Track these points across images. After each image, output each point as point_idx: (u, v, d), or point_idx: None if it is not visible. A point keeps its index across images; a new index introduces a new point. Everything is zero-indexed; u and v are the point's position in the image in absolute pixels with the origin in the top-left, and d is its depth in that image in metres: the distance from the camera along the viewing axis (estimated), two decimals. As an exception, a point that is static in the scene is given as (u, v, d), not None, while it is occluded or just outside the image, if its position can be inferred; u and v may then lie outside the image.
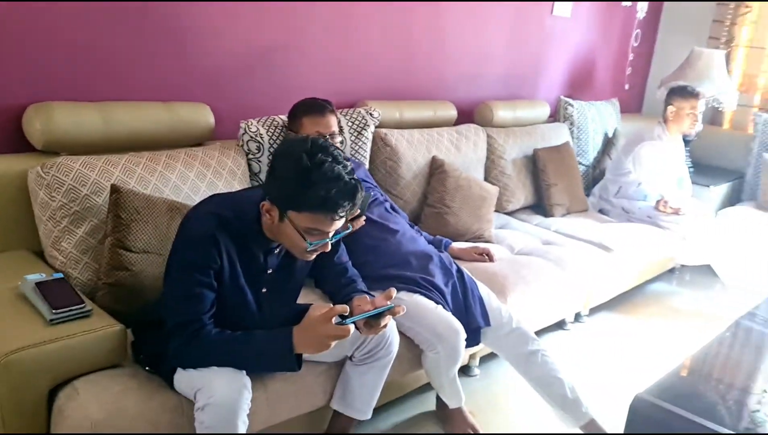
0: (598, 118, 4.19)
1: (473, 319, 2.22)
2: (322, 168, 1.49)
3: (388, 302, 1.65)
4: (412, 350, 2.12)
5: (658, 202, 3.56)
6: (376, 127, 2.85)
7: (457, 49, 3.54)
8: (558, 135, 3.83)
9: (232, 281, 1.64)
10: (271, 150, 2.43)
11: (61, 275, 1.75)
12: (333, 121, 2.38)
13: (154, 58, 2.38)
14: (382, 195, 2.54)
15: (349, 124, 2.73)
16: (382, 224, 2.37)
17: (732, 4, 4.66)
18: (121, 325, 1.66)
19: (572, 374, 2.27)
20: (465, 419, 2.29)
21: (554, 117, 4.08)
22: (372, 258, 2.25)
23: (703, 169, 4.39)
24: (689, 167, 3.95)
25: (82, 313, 1.62)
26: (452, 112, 3.42)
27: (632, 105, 5.10)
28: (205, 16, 2.46)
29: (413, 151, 2.98)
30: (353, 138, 2.72)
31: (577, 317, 3.28)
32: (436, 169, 3.02)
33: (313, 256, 1.64)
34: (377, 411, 2.03)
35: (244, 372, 1.59)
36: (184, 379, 1.60)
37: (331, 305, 1.55)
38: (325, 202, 1.49)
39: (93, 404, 1.52)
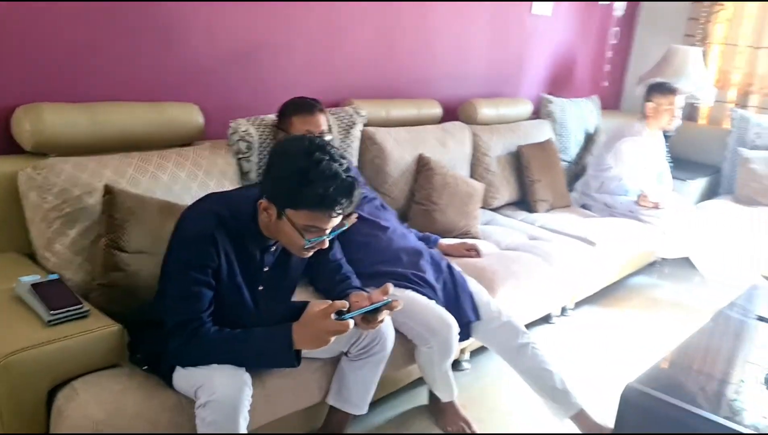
0: (579, 114, 4.25)
1: (464, 314, 2.26)
2: (319, 166, 1.51)
3: (385, 297, 1.67)
4: (404, 345, 2.15)
5: (639, 196, 3.63)
6: (364, 125, 2.87)
7: (442, 49, 3.58)
8: (541, 132, 3.88)
9: (230, 279, 1.65)
10: (261, 149, 2.44)
11: (56, 276, 1.75)
12: (322, 119, 2.40)
13: (142, 59, 2.38)
14: (371, 192, 2.57)
15: (338, 122, 2.74)
16: (372, 221, 2.39)
17: (707, 3, 4.76)
18: (119, 325, 1.67)
19: (560, 367, 2.31)
20: (457, 413, 2.32)
21: (537, 114, 4.13)
22: (363, 255, 2.27)
23: (680, 163, 4.47)
24: (669, 162, 4.02)
25: (80, 314, 1.63)
26: (437, 110, 3.45)
27: (611, 102, 5.17)
28: (193, 15, 2.47)
29: (400, 149, 3.01)
30: (341, 136, 2.74)
31: (563, 311, 3.33)
32: (423, 166, 3.05)
33: (310, 253, 1.66)
34: (371, 406, 2.05)
35: (244, 369, 1.60)
36: (184, 377, 1.61)
37: (330, 302, 1.57)
38: (323, 199, 1.51)
39: (93, 404, 1.53)
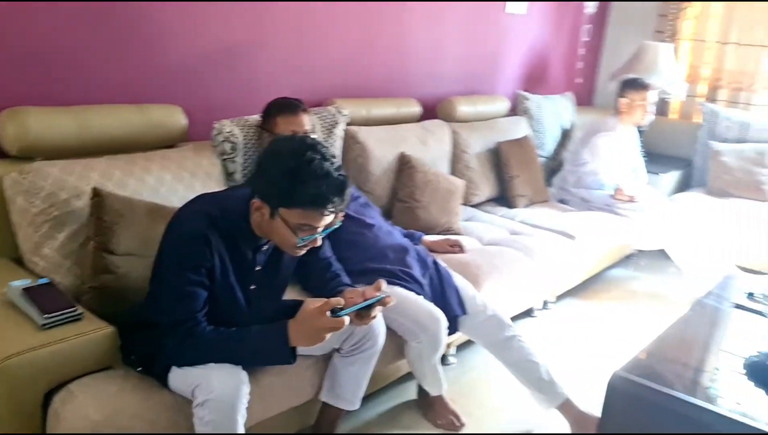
0: (555, 111, 4.32)
1: (450, 308, 2.29)
2: (312, 165, 1.53)
3: (378, 293, 1.70)
4: (393, 341, 2.17)
5: (615, 190, 3.71)
6: (347, 124, 2.90)
7: (419, 48, 3.62)
8: (518, 128, 3.94)
9: (223, 279, 1.67)
10: (246, 150, 2.46)
11: (47, 280, 1.75)
12: (306, 119, 2.41)
13: (124, 61, 2.38)
14: (355, 191, 2.59)
15: (320, 122, 2.76)
16: (358, 219, 2.42)
17: (675, 2, 4.86)
18: (113, 327, 1.67)
19: (545, 358, 2.36)
20: (446, 406, 2.36)
21: (513, 111, 4.19)
22: (351, 253, 2.29)
23: (653, 157, 4.56)
24: (643, 156, 4.11)
25: (74, 317, 1.63)
26: (416, 109, 3.49)
27: (584, 98, 5.25)
28: (174, 17, 2.47)
29: (382, 148, 3.04)
30: (324, 136, 2.76)
31: (545, 304, 3.39)
32: (404, 164, 3.08)
33: (303, 252, 1.68)
34: (361, 402, 2.07)
35: (241, 367, 1.61)
36: (180, 377, 1.62)
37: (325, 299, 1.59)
38: (315, 198, 1.53)
39: (91, 406, 1.54)
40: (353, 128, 2.97)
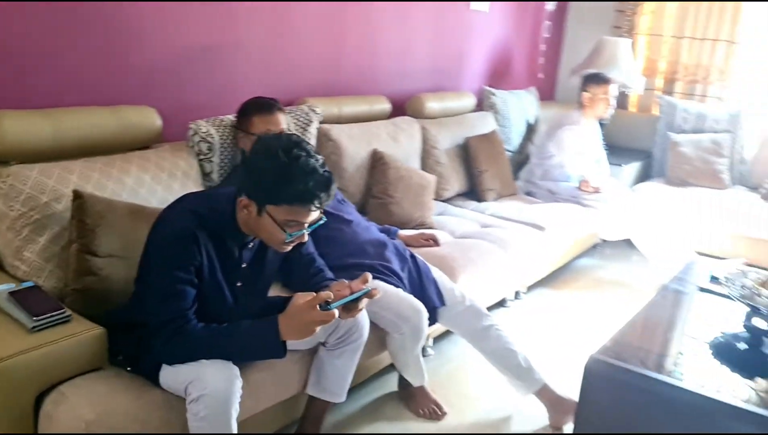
0: (520, 106, 4.42)
1: (430, 300, 2.35)
2: (299, 162, 1.56)
3: (364, 286, 1.74)
4: (375, 334, 2.20)
5: (580, 182, 3.81)
6: (320, 123, 2.93)
7: (387, 46, 3.67)
8: (485, 123, 4.02)
9: (211, 277, 1.69)
10: (222, 150, 2.47)
11: (31, 283, 1.75)
12: (282, 118, 2.44)
13: (98, 62, 2.37)
14: (332, 188, 2.62)
15: (294, 121, 2.78)
16: (336, 215, 2.45)
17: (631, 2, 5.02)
18: (102, 328, 1.68)
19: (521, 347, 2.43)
20: (428, 396, 2.41)
21: (479, 106, 4.27)
22: (330, 249, 2.32)
23: (614, 149, 4.69)
24: (605, 149, 4.23)
25: (63, 319, 1.63)
26: (386, 106, 3.53)
27: (546, 93, 5.37)
28: (145, 18, 2.46)
29: (355, 145, 3.08)
30: (299, 134, 2.78)
31: (517, 295, 3.47)
32: (377, 161, 3.12)
33: (290, 248, 1.70)
34: (344, 395, 2.12)
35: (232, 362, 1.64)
36: (172, 374, 1.64)
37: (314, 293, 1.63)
38: (303, 194, 1.57)
39: (83, 406, 1.54)
40: (326, 126, 3.00)
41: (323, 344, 2.00)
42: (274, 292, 2.12)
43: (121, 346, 1.76)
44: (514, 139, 4.32)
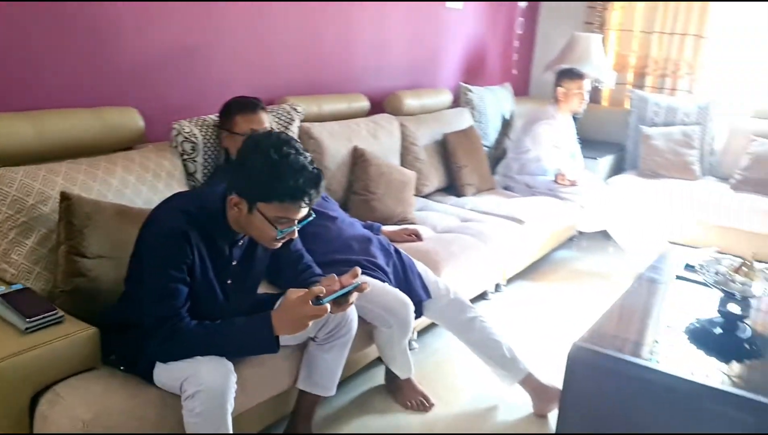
0: (496, 101, 4.48)
1: (415, 294, 2.39)
2: (288, 160, 1.59)
3: (354, 281, 1.77)
4: (362, 328, 2.23)
5: (557, 176, 3.89)
6: (301, 121, 2.95)
7: (364, 43, 3.70)
8: (462, 119, 4.08)
9: (202, 275, 1.71)
10: (206, 150, 2.48)
11: (20, 286, 1.75)
12: (265, 117, 2.46)
13: (78, 63, 2.37)
14: (315, 185, 2.64)
15: (276, 119, 2.80)
16: (321, 212, 2.47)
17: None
18: (95, 328, 1.69)
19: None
20: (415, 388, 2.45)
21: (456, 103, 4.33)
22: (316, 246, 2.34)
23: (588, 143, 4.77)
24: (579, 142, 4.31)
25: (56, 319, 1.64)
26: (365, 103, 3.57)
27: (520, 88, 5.45)
28: (126, 19, 2.47)
29: (335, 143, 3.10)
30: (280, 133, 2.80)
31: (497, 287, 3.53)
32: (358, 158, 3.16)
33: (280, 244, 1.73)
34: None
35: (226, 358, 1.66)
36: (166, 372, 1.66)
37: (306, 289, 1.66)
38: (294, 191, 1.59)
39: (80, 406, 1.56)
40: (307, 125, 3.02)
41: (313, 339, 2.03)
42: (262, 289, 2.15)
43: (113, 346, 1.77)
44: (490, 134, 4.38)
